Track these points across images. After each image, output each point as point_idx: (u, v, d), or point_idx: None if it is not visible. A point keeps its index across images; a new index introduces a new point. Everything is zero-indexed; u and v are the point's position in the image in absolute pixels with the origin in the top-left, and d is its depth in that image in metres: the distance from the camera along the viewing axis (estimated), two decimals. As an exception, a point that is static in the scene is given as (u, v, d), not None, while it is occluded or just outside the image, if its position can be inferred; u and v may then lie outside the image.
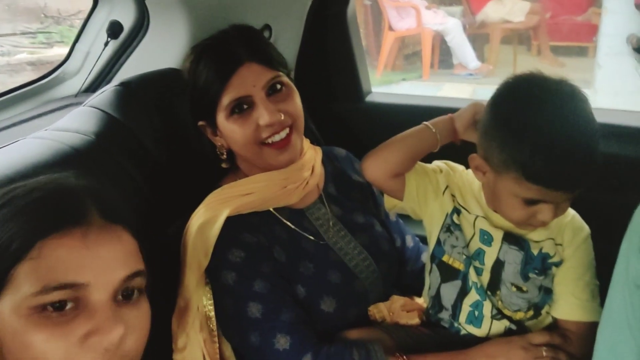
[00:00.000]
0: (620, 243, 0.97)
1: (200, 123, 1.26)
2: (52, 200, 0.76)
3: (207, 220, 1.16)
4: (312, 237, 1.26)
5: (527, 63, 6.00)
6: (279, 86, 1.22)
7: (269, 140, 1.20)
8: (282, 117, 1.19)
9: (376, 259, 1.30)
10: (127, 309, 0.76)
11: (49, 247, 0.72)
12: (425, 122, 1.23)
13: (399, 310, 1.28)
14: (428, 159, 1.26)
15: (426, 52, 6.05)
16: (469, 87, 5.72)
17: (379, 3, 6.01)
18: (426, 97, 2.54)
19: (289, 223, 1.25)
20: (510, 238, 1.15)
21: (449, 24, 6.02)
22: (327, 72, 1.94)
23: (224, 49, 1.20)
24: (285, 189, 1.23)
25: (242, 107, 1.19)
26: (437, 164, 1.27)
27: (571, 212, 1.17)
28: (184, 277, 1.16)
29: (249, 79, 1.18)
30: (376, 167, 1.23)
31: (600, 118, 1.61)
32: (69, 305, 0.71)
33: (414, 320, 1.28)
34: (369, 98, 1.99)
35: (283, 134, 1.21)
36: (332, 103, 1.90)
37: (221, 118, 1.20)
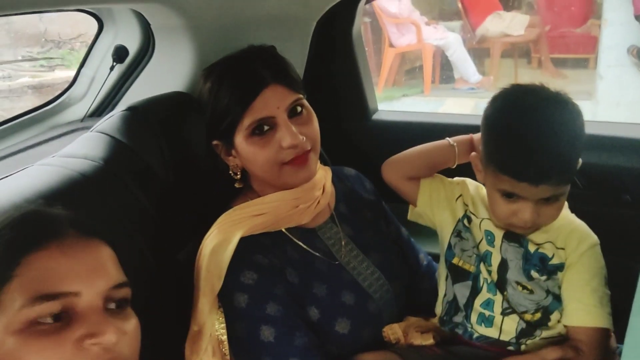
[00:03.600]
0: (633, 256, 0.96)
1: (215, 142, 1.25)
2: (26, 220, 0.79)
3: (219, 242, 1.15)
4: (324, 257, 1.25)
5: (529, 76, 6.01)
6: (299, 109, 1.22)
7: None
8: (304, 140, 1.19)
9: (389, 278, 1.29)
10: (117, 318, 0.78)
11: (34, 261, 0.74)
12: (448, 138, 1.30)
13: (414, 331, 1.27)
14: (447, 176, 1.32)
15: (427, 68, 6.07)
16: (470, 102, 5.72)
17: (378, 20, 6.04)
18: (433, 114, 2.55)
19: (301, 243, 1.23)
20: (510, 236, 1.19)
21: (450, 39, 6.05)
22: (334, 92, 1.93)
23: (248, 70, 1.19)
24: (297, 208, 1.23)
25: (263, 129, 1.18)
26: (456, 178, 1.32)
27: (577, 220, 1.20)
28: (197, 302, 1.14)
29: (273, 101, 1.17)
30: (393, 168, 1.32)
31: (610, 131, 1.62)
32: (63, 314, 0.74)
33: (429, 340, 1.26)
34: (375, 116, 1.98)
35: (301, 153, 1.20)
36: (339, 122, 1.89)
37: (240, 139, 1.19)
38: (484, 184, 1.21)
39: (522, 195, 1.09)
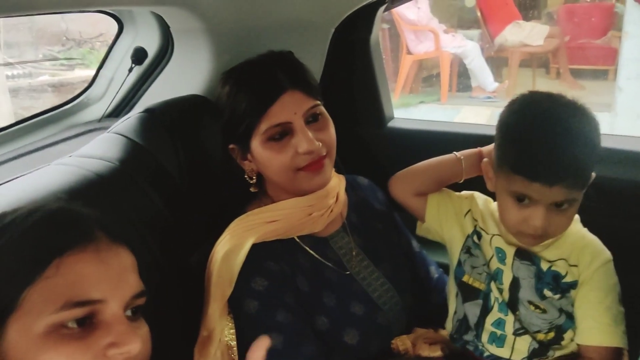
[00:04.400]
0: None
1: (231, 146, 1.25)
2: (60, 219, 0.76)
3: (232, 248, 1.15)
4: (335, 267, 1.24)
5: (546, 86, 5.96)
6: (317, 115, 1.22)
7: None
8: (320, 146, 1.19)
9: (399, 290, 1.29)
10: (134, 325, 0.77)
11: (67, 264, 0.71)
12: (455, 152, 1.28)
13: (422, 342, 1.26)
14: (455, 190, 1.30)
15: (444, 75, 6.05)
16: (487, 111, 5.69)
17: (397, 27, 6.04)
18: (448, 123, 2.53)
19: (312, 252, 1.23)
20: (521, 254, 1.17)
21: (468, 47, 6.02)
22: (350, 98, 1.93)
23: (267, 75, 1.19)
24: (310, 216, 1.22)
25: (281, 134, 1.18)
26: (464, 192, 1.30)
27: (590, 236, 1.18)
28: (207, 307, 1.15)
29: (291, 107, 1.17)
30: (401, 184, 1.31)
31: (629, 146, 1.60)
32: (87, 320, 0.72)
33: (437, 352, 1.25)
34: (391, 124, 1.97)
35: (316, 159, 1.20)
36: (354, 129, 1.89)
37: (256, 143, 1.19)
38: (494, 192, 1.18)
39: (534, 198, 1.07)
